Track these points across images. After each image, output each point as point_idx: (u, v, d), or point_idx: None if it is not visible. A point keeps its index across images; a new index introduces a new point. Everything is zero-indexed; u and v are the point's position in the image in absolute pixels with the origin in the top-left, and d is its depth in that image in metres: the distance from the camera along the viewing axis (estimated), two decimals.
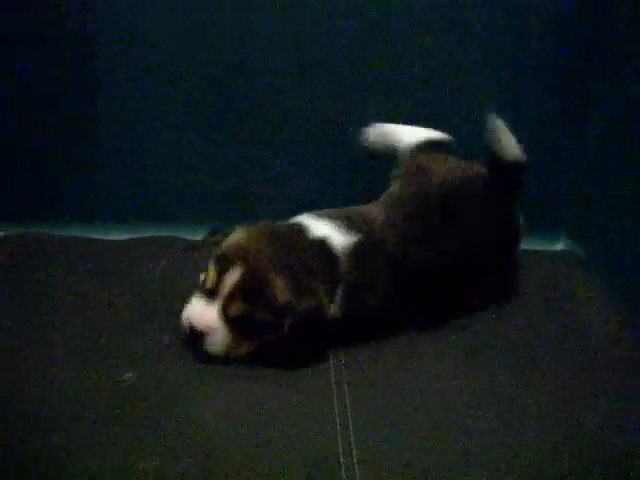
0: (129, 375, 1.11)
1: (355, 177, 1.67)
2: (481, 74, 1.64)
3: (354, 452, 0.96)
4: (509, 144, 1.35)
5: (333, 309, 1.18)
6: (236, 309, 1.12)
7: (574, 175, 1.70)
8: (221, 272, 1.14)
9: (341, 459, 0.95)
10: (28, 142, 1.70)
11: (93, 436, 0.96)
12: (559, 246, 1.74)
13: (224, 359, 1.14)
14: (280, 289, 1.11)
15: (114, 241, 1.61)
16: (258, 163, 1.69)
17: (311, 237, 1.21)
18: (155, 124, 1.68)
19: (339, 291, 1.19)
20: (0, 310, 1.29)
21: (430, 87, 1.64)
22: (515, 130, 1.55)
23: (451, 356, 1.21)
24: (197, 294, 1.17)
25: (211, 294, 1.14)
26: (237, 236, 1.20)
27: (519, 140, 1.39)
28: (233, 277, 1.12)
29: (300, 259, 1.16)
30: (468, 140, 1.45)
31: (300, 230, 1.22)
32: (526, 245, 1.62)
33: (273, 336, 1.13)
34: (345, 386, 1.11)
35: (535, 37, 1.61)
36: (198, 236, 1.64)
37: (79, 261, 1.49)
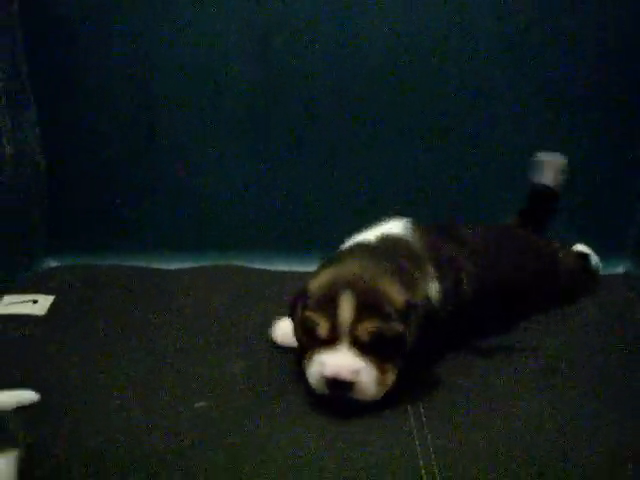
0: (202, 404, 1.10)
1: None
2: None
3: None
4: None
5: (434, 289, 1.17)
6: (366, 332, 1.04)
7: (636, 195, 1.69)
8: (332, 312, 1.05)
9: None
10: (91, 175, 1.75)
11: (168, 465, 0.95)
12: (621, 269, 1.71)
13: (377, 397, 1.06)
14: (396, 292, 1.07)
15: (174, 270, 1.63)
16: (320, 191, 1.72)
17: (372, 237, 1.23)
18: (213, 153, 1.71)
19: (430, 270, 1.18)
20: (64, 341, 1.30)
21: None
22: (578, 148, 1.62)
23: (527, 378, 1.18)
24: (313, 354, 1.08)
25: (329, 342, 1.06)
26: (322, 276, 1.11)
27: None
28: (347, 304, 1.04)
29: (395, 261, 1.14)
30: None
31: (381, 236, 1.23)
32: None
33: (406, 349, 1.07)
34: (425, 428, 1.04)
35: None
36: (255, 264, 1.65)
37: (141, 291, 1.52)
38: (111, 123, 1.71)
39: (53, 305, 1.44)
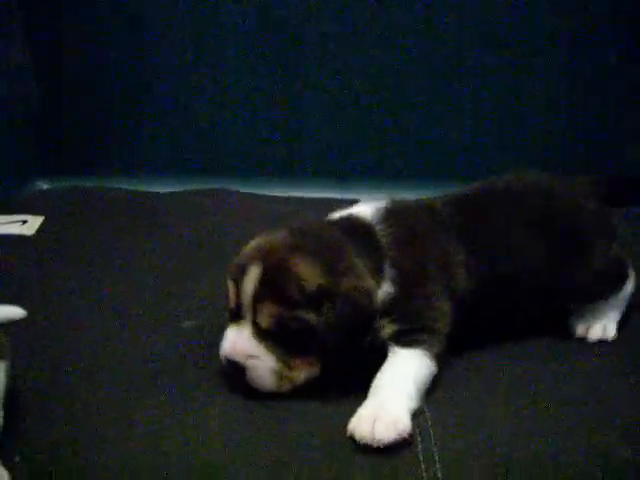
0: (190, 322, 1.10)
1: None
2: None
3: None
4: None
5: (383, 291, 0.96)
6: (267, 316, 0.90)
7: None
8: (238, 282, 0.92)
9: None
10: (83, 97, 1.72)
11: (158, 381, 0.96)
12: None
13: (279, 391, 0.92)
14: (311, 273, 0.90)
15: (165, 193, 1.62)
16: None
17: (335, 217, 1.03)
18: (208, 76, 1.68)
19: (386, 267, 0.97)
20: (51, 261, 1.29)
21: None
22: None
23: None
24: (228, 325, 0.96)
25: (237, 316, 0.93)
26: (250, 243, 0.98)
27: None
28: (252, 276, 0.90)
29: (329, 240, 0.96)
30: None
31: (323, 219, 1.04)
32: None
33: (323, 344, 0.90)
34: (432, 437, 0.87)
35: None
36: (245, 188, 1.64)
37: (131, 213, 1.50)
38: (104, 44, 1.67)
39: (42, 226, 1.43)
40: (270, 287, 0.90)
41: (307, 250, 0.92)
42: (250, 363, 0.91)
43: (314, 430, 0.86)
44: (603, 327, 1.08)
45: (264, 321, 0.90)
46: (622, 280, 1.11)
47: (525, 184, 1.12)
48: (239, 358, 0.91)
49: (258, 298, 0.90)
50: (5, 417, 0.81)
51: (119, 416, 0.88)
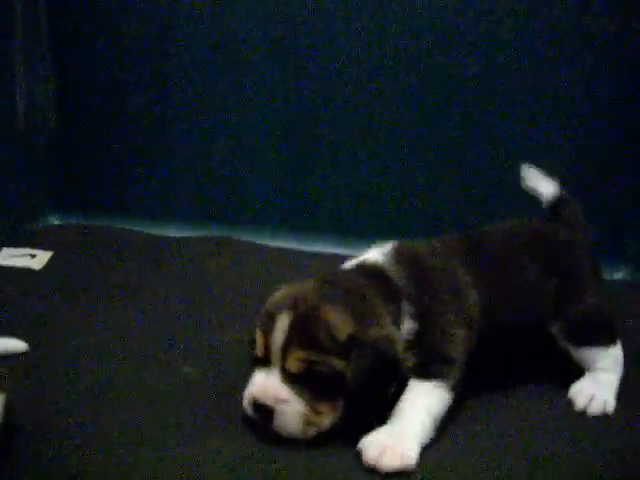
0: (191, 369, 1.10)
1: None
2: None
3: None
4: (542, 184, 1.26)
5: (406, 328, 1.00)
6: (296, 361, 0.92)
7: (634, 201, 1.67)
8: (267, 330, 0.95)
9: None
10: (96, 142, 1.76)
11: (164, 430, 0.96)
12: (620, 275, 1.70)
13: (304, 437, 0.93)
14: (342, 323, 0.94)
15: (174, 237, 1.64)
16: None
17: (350, 265, 1.07)
18: (222, 122, 1.71)
19: (405, 305, 1.01)
20: (57, 297, 1.31)
21: None
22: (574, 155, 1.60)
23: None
24: (255, 371, 0.98)
25: (265, 363, 0.96)
26: (277, 292, 1.01)
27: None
28: (281, 326, 0.93)
29: (355, 289, 0.99)
30: None
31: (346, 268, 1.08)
32: None
33: (348, 391, 0.93)
34: None
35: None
36: (252, 238, 1.65)
37: (138, 255, 1.53)
38: (123, 85, 1.71)
39: (51, 261, 1.45)
40: (300, 333, 0.93)
41: (336, 299, 0.96)
42: (279, 407, 0.93)
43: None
44: (604, 402, 1.09)
45: (293, 365, 0.92)
46: (611, 327, 1.14)
47: (524, 226, 1.20)
48: (269, 402, 0.93)
49: (288, 344, 0.93)
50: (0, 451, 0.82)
51: (119, 455, 0.88)
